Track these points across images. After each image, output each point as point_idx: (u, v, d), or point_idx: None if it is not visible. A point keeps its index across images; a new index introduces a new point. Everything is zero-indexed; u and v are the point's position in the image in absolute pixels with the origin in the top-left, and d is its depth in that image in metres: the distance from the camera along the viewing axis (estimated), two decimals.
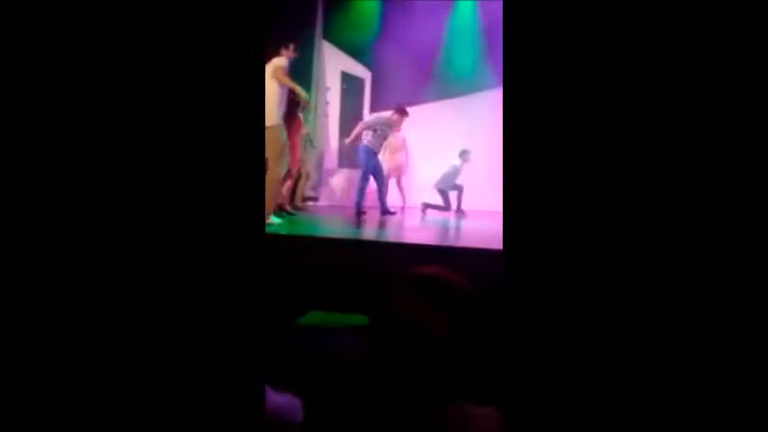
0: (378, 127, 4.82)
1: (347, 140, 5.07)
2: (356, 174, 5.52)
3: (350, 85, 6.59)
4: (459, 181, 5.77)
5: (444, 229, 4.57)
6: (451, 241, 3.82)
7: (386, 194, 5.08)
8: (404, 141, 5.92)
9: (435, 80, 6.28)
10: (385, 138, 4.95)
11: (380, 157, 5.00)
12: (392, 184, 5.70)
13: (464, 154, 5.71)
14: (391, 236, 3.90)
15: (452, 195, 5.75)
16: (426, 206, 5.68)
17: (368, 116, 6.51)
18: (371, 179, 4.88)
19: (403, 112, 4.96)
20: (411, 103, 6.23)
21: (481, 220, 5.20)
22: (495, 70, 6.09)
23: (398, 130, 5.34)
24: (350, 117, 6.51)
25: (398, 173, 5.87)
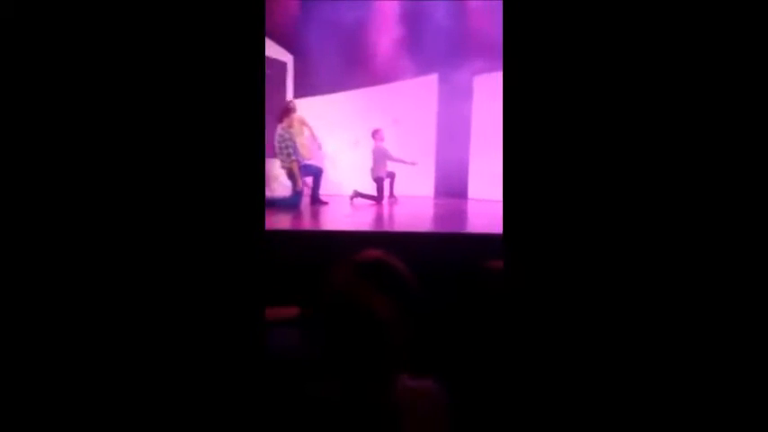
0: (287, 149, 4.79)
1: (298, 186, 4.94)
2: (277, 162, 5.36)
3: (271, 69, 6.30)
4: (391, 163, 5.72)
5: (378, 215, 4.54)
6: (387, 226, 3.80)
7: (319, 187, 5.07)
8: (302, 124, 5.75)
9: (360, 66, 6.19)
10: (295, 146, 4.90)
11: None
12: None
13: (375, 134, 5.62)
14: (327, 225, 3.80)
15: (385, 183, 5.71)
16: (356, 194, 5.59)
17: (289, 98, 6.26)
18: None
19: (285, 113, 4.95)
20: (336, 89, 6.11)
21: (411, 205, 5.24)
22: (419, 58, 6.13)
23: (292, 123, 5.18)
24: (272, 102, 6.24)
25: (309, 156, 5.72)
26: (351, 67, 6.09)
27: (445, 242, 2.98)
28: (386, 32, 6.17)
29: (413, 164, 5.74)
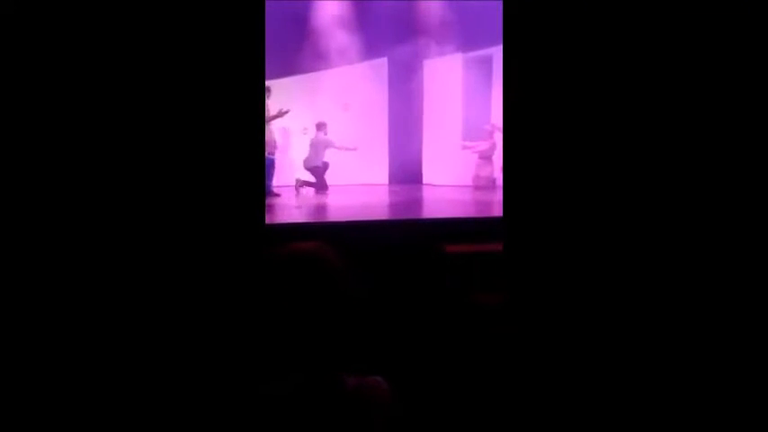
0: None
1: None
2: None
3: None
4: (332, 153, 5.51)
5: (331, 205, 4.43)
6: (341, 216, 3.70)
7: (272, 178, 4.94)
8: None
9: (309, 50, 5.98)
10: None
11: None
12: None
13: (321, 127, 5.45)
14: (280, 218, 3.65)
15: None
16: (301, 183, 5.36)
17: None
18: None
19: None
20: (282, 75, 5.88)
21: (366, 193, 5.16)
22: (369, 41, 5.99)
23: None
24: None
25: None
26: (298, 51, 5.88)
27: (400, 229, 2.93)
28: (333, 14, 5.98)
29: (354, 149, 5.58)
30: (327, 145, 5.42)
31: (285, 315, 0.79)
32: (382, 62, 6.24)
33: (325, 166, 5.48)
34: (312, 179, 5.40)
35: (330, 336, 0.80)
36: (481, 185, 5.40)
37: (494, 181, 5.34)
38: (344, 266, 0.83)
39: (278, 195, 4.88)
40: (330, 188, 5.47)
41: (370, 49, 6.03)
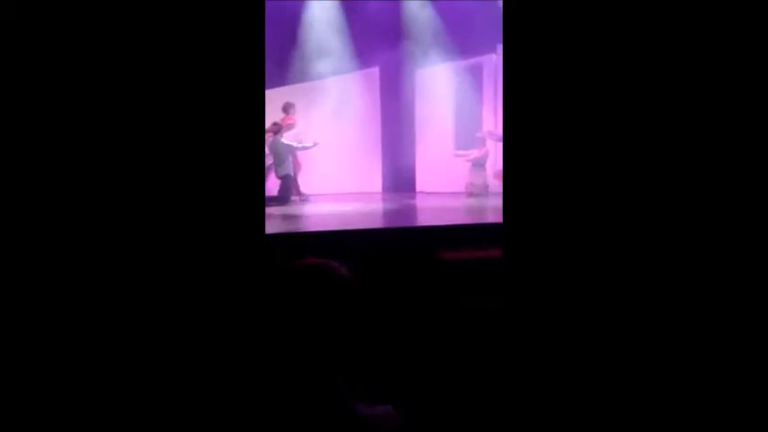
0: None
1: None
2: None
3: None
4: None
5: (326, 214, 4.41)
6: (338, 225, 3.68)
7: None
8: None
9: (299, 60, 6.00)
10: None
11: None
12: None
13: (273, 126, 5.06)
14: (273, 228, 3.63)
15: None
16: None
17: None
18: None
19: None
20: (275, 84, 5.89)
21: (360, 201, 5.15)
22: (360, 50, 6.03)
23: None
24: None
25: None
26: (289, 61, 5.90)
27: (396, 236, 2.93)
28: (325, 24, 6.01)
29: (315, 144, 5.29)
30: (288, 148, 5.10)
31: (295, 330, 0.77)
32: (374, 71, 6.27)
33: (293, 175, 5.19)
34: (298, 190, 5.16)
35: (340, 353, 0.77)
36: (474, 192, 5.42)
37: (487, 188, 5.36)
38: (356, 282, 0.81)
39: (277, 204, 4.84)
40: (325, 197, 5.40)
41: (362, 59, 6.07)
